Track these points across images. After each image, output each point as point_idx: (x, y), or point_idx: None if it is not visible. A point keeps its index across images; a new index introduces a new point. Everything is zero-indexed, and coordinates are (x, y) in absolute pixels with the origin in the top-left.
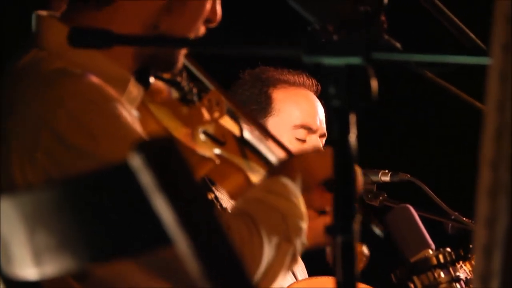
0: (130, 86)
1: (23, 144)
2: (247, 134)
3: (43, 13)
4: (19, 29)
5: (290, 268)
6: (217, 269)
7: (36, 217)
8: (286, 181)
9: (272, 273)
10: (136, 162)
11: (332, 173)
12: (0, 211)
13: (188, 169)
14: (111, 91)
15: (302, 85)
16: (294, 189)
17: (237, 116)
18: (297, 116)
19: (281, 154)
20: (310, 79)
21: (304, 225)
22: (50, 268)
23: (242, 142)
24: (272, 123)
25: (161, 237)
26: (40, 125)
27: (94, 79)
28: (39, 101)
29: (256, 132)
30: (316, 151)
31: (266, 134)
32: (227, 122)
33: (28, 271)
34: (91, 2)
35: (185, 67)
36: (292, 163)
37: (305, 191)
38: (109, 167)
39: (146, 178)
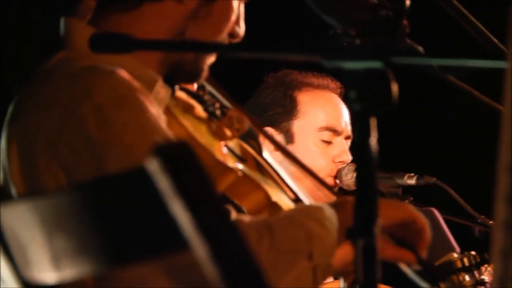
0: (157, 86)
1: (48, 137)
2: (267, 155)
3: (72, 18)
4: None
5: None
6: (234, 274)
7: (54, 220)
8: (328, 211)
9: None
10: (154, 166)
11: (393, 223)
12: (18, 215)
13: (205, 174)
14: (140, 86)
15: (327, 87)
16: (334, 220)
17: (256, 135)
18: (322, 119)
19: (300, 173)
20: (334, 82)
21: (333, 250)
22: (68, 272)
23: (261, 163)
24: (298, 126)
25: (179, 241)
26: (66, 118)
27: (124, 74)
28: (67, 95)
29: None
30: (382, 201)
31: (286, 153)
32: (246, 144)
33: (46, 275)
34: (118, 6)
35: (204, 85)
36: (347, 204)
37: None
38: (126, 170)
39: (163, 182)
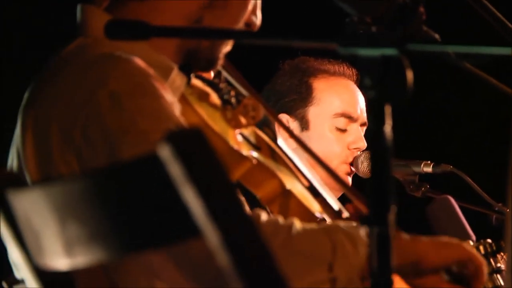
0: (173, 74)
1: (64, 124)
2: (282, 143)
3: (89, 5)
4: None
5: None
6: (245, 263)
7: (67, 207)
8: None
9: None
10: (166, 152)
11: (449, 262)
12: (31, 202)
13: (218, 162)
14: (155, 75)
15: (343, 74)
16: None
17: (272, 123)
18: (338, 105)
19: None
20: (350, 69)
21: (359, 268)
22: (81, 258)
23: (276, 150)
24: (313, 113)
25: (190, 229)
26: (81, 105)
27: (140, 61)
28: (83, 82)
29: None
30: (432, 239)
31: (300, 142)
32: (260, 131)
33: (59, 262)
34: None
35: (221, 73)
36: (402, 243)
37: (417, 275)
38: (139, 157)
39: (175, 169)
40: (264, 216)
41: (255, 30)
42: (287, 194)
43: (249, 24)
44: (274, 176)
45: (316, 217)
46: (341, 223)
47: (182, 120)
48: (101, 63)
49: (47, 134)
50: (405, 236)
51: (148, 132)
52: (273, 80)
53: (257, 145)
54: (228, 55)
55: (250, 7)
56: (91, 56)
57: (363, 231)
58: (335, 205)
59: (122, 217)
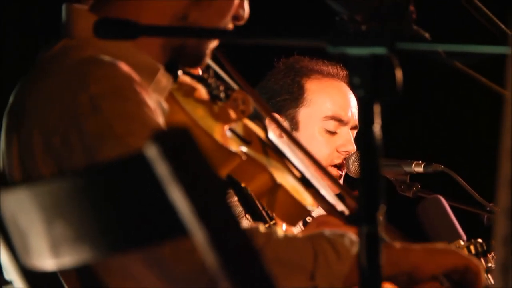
0: (159, 75)
1: (45, 129)
2: (273, 136)
3: (73, 4)
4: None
5: None
6: (232, 262)
7: (53, 208)
8: (351, 240)
9: None
10: (152, 152)
11: (444, 269)
12: (17, 202)
13: (205, 160)
14: (139, 79)
15: (336, 76)
16: (353, 249)
17: (262, 116)
18: (329, 108)
19: (305, 159)
20: (344, 70)
21: (341, 277)
22: (68, 259)
23: (267, 143)
24: (304, 114)
25: (177, 228)
26: (62, 110)
27: (123, 66)
28: (65, 87)
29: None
30: (426, 247)
31: (285, 131)
32: (252, 124)
33: (46, 262)
34: None
35: (210, 67)
36: (395, 252)
37: (413, 283)
38: (125, 157)
39: (162, 169)
40: (244, 223)
41: (243, 23)
42: (278, 188)
43: (237, 17)
44: (264, 170)
45: (307, 210)
46: (327, 231)
47: (163, 125)
48: (83, 68)
49: (31, 140)
50: (397, 245)
51: (126, 136)
52: (267, 77)
53: (247, 139)
54: (224, 51)
55: (236, 1)
56: (74, 60)
57: (347, 240)
58: (328, 195)
59: (109, 217)
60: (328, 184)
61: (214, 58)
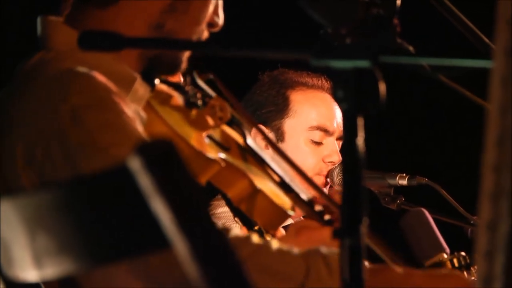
0: (136, 84)
1: (27, 143)
2: (250, 141)
3: (48, 16)
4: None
5: None
6: (215, 274)
7: (36, 219)
8: None
9: None
10: (136, 164)
11: None
12: (0, 214)
13: (188, 172)
14: (116, 89)
15: (321, 87)
16: None
17: (240, 122)
18: (314, 118)
19: (290, 171)
20: (328, 82)
21: None
22: (50, 270)
23: (246, 149)
24: (289, 125)
25: (160, 240)
26: (43, 123)
27: (100, 77)
28: (45, 100)
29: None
30: (426, 272)
31: (269, 142)
32: (231, 130)
33: (29, 274)
34: (96, 3)
35: (189, 73)
36: (397, 276)
37: None
38: (108, 169)
39: (145, 181)
40: (234, 231)
41: (218, 30)
42: (258, 193)
43: (212, 24)
44: (243, 176)
45: (288, 215)
46: (323, 249)
47: (144, 135)
48: (62, 80)
49: (13, 152)
50: (399, 269)
51: (108, 147)
52: (251, 90)
53: (226, 146)
54: (211, 63)
55: (211, 7)
56: (52, 72)
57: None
58: (307, 198)
59: (91, 229)
60: (313, 194)
61: (195, 67)
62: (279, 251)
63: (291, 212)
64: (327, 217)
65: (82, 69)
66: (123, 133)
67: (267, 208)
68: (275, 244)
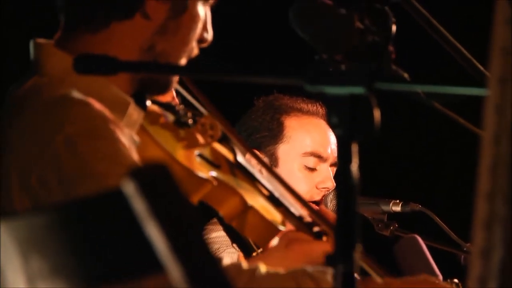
0: (130, 109)
1: (22, 170)
2: (241, 158)
3: (41, 40)
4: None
5: None
6: None
7: (29, 242)
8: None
9: None
10: (129, 188)
11: None
12: None
13: (182, 196)
14: (111, 116)
15: (315, 114)
16: None
17: (231, 140)
18: (308, 144)
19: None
20: (323, 108)
21: None
22: None
23: (236, 166)
24: (283, 150)
25: (154, 264)
26: (38, 151)
27: (96, 104)
28: (39, 128)
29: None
30: (404, 279)
31: (259, 160)
32: (221, 147)
33: None
34: (87, 28)
35: (178, 92)
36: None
37: None
38: (102, 193)
39: (139, 205)
40: (226, 260)
41: (207, 45)
42: (249, 210)
43: (201, 40)
44: (235, 193)
45: (279, 230)
46: (309, 268)
47: (139, 162)
48: (57, 107)
49: (8, 177)
50: (378, 279)
51: (104, 175)
52: (246, 115)
53: (216, 163)
54: (207, 88)
55: (200, 25)
56: (47, 99)
57: (329, 276)
58: (297, 212)
59: (85, 252)
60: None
61: (183, 84)
62: (270, 275)
63: (281, 227)
64: (316, 229)
65: (77, 95)
66: (118, 163)
67: (258, 224)
68: (263, 267)
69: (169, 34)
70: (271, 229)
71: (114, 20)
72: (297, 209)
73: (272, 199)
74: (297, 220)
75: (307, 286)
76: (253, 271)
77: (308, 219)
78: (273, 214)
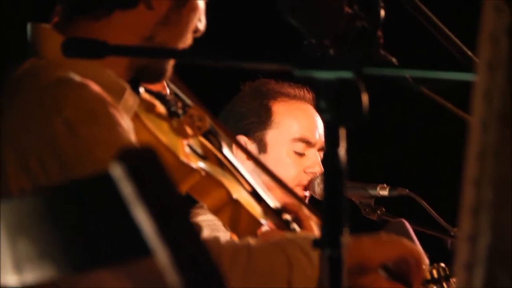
0: (126, 94)
1: (20, 151)
2: (226, 151)
3: (39, 24)
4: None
5: None
6: (196, 283)
7: (18, 225)
8: None
9: None
10: (118, 171)
11: (390, 259)
12: None
13: (169, 180)
14: (110, 99)
15: (303, 98)
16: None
17: (217, 132)
18: (296, 130)
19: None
20: (310, 93)
21: (315, 280)
22: (30, 276)
23: (221, 157)
24: (271, 136)
25: (141, 248)
26: (37, 132)
27: (95, 87)
28: (38, 107)
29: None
30: (373, 238)
31: (246, 152)
32: (205, 140)
33: (9, 278)
34: (90, 14)
35: (169, 84)
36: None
37: (360, 273)
38: (90, 176)
39: (127, 188)
40: (223, 242)
41: (200, 35)
42: (234, 203)
43: (195, 30)
44: (221, 186)
45: (261, 224)
46: (291, 235)
47: (136, 143)
48: (56, 88)
49: (3, 159)
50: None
51: (103, 161)
52: (232, 101)
53: (204, 155)
54: (189, 74)
55: (198, 16)
56: (45, 80)
57: (309, 237)
58: (275, 207)
59: (72, 235)
60: (295, 203)
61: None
62: (260, 250)
63: (263, 221)
64: (293, 226)
65: (76, 77)
66: (118, 147)
67: (243, 218)
68: (252, 241)
69: (171, 25)
70: (254, 223)
71: (118, 8)
72: (276, 205)
73: (254, 194)
74: (275, 215)
75: (295, 256)
76: (247, 248)
77: (286, 216)
78: (256, 208)
